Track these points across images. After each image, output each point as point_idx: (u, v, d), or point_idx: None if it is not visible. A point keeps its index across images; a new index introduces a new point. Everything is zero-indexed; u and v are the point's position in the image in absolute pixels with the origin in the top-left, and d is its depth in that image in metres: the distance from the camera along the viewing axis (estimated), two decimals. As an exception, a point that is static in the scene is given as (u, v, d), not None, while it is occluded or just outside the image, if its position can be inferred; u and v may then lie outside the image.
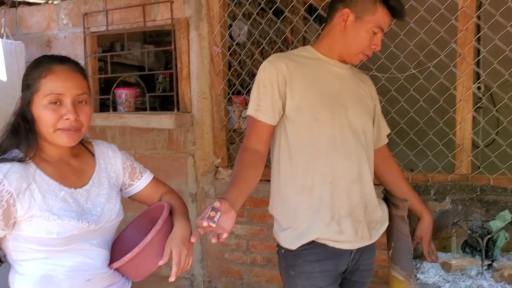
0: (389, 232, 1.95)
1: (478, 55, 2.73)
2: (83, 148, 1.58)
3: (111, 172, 1.59)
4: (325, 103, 1.73)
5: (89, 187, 1.50)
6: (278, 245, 1.81)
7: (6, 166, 1.36)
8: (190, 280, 3.35)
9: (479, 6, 2.67)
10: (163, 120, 3.11)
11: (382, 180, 2.01)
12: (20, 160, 1.39)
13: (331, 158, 1.72)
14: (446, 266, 1.85)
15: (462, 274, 1.80)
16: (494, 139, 2.76)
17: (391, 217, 1.93)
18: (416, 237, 1.95)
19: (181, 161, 3.31)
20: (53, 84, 1.40)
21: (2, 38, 3.48)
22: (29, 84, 1.42)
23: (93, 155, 1.59)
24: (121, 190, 1.65)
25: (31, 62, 1.48)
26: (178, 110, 3.27)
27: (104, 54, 3.78)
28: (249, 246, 3.15)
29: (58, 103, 1.40)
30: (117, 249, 1.57)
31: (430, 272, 1.85)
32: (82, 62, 3.55)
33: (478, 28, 2.90)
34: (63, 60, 1.45)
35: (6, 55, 3.38)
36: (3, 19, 3.57)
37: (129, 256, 1.44)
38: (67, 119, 1.40)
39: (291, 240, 1.74)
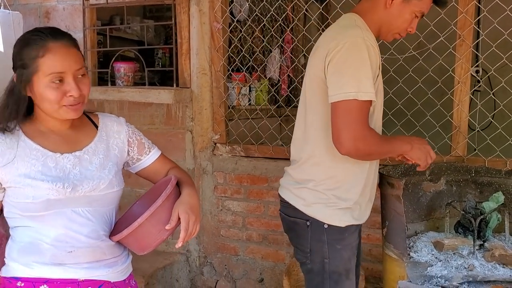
0: (384, 211, 1.98)
1: (478, 38, 2.73)
2: (86, 120, 1.58)
3: (113, 145, 1.59)
4: (382, 85, 1.78)
5: (80, 154, 1.50)
6: (314, 220, 1.76)
7: None
8: (186, 255, 3.39)
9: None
10: (162, 95, 3.10)
11: None
12: (7, 130, 1.43)
13: None
14: (438, 245, 1.88)
15: (454, 253, 1.83)
16: (491, 122, 2.78)
17: (386, 196, 1.96)
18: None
19: (179, 137, 3.32)
20: (53, 63, 1.39)
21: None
22: (25, 63, 1.40)
23: (97, 127, 1.59)
24: (129, 165, 1.66)
25: (19, 39, 1.45)
26: (177, 85, 3.27)
27: (103, 27, 3.74)
28: (245, 223, 3.19)
29: (60, 81, 1.40)
30: (122, 226, 1.54)
31: (422, 251, 1.88)
32: (80, 35, 3.55)
33: (478, 11, 2.89)
34: (56, 36, 1.43)
35: (3, 25, 3.34)
36: (1, -11, 3.53)
37: (131, 227, 1.41)
38: (71, 95, 1.41)
39: (341, 218, 1.76)
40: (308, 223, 1.77)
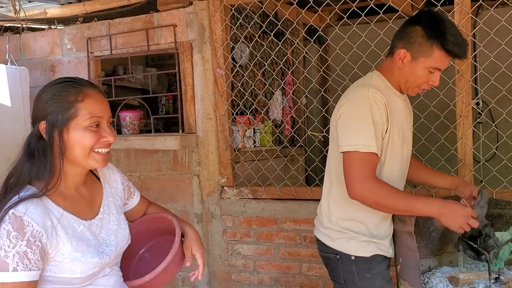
0: (396, 247, 1.97)
1: (475, 72, 2.79)
2: (89, 173, 1.56)
3: (116, 196, 1.60)
4: (400, 140, 1.90)
5: (101, 216, 1.50)
6: (341, 253, 1.91)
7: (28, 206, 1.31)
8: (197, 301, 3.35)
9: (473, 25, 2.74)
10: (168, 142, 3.14)
11: (411, 177, 2.16)
12: (36, 196, 1.34)
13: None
14: (454, 280, 1.87)
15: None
16: (494, 153, 2.81)
17: (398, 233, 1.96)
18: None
19: (186, 182, 3.34)
20: (92, 107, 1.39)
21: (6, 64, 3.53)
22: (60, 108, 1.37)
23: (99, 179, 1.58)
24: None
25: (47, 88, 1.43)
26: (183, 131, 3.31)
27: (107, 78, 3.83)
28: (256, 266, 3.16)
29: (97, 126, 1.40)
30: (129, 268, 1.63)
31: (438, 287, 1.86)
32: (86, 86, 3.63)
33: (474, 46, 2.96)
34: (89, 83, 1.47)
35: (10, 80, 3.42)
36: (7, 45, 3.63)
37: (148, 277, 1.50)
38: (106, 140, 1.42)
39: (365, 249, 1.89)
40: (338, 256, 1.93)
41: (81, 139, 1.38)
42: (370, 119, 1.76)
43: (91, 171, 1.54)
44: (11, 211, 1.29)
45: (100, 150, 1.41)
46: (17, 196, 1.33)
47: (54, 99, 1.38)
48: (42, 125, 1.38)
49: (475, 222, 1.72)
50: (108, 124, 1.44)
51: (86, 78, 3.61)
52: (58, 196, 1.40)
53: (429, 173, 2.23)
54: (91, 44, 3.62)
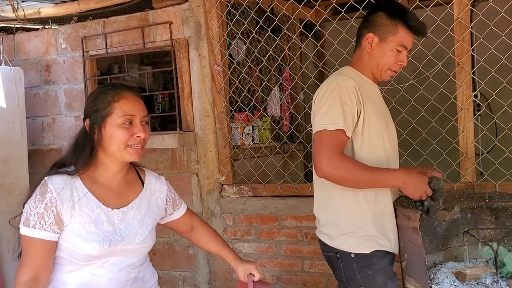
0: (401, 244, 1.94)
1: (473, 63, 2.76)
2: (134, 174, 1.73)
3: (154, 203, 1.74)
4: (381, 123, 1.92)
5: (126, 210, 1.64)
6: (341, 251, 1.90)
7: (56, 177, 1.56)
8: (198, 301, 3.33)
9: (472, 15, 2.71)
10: (166, 140, 3.11)
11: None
12: (70, 173, 1.57)
13: None
14: (460, 276, 1.84)
15: (477, 283, 1.79)
16: (493, 146, 2.80)
17: (402, 229, 1.93)
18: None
19: (185, 180, 3.30)
20: (125, 107, 1.58)
21: (0, 64, 3.49)
22: (100, 107, 1.58)
23: (143, 183, 1.74)
24: (161, 219, 1.82)
25: (93, 92, 1.69)
26: (180, 129, 3.28)
27: (103, 77, 3.79)
28: (258, 264, 3.11)
29: (129, 123, 1.58)
30: None
31: (444, 283, 1.84)
32: (81, 86, 3.59)
33: (472, 38, 2.93)
34: (128, 87, 1.66)
35: (5, 81, 3.38)
36: (1, 46, 3.58)
37: None
38: (138, 136, 1.58)
39: (365, 245, 1.88)
40: (338, 255, 1.92)
41: (115, 134, 1.56)
42: (338, 99, 1.81)
43: (138, 175, 1.74)
44: (45, 178, 1.56)
45: (133, 145, 1.57)
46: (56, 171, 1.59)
47: (96, 100, 1.61)
48: (87, 122, 1.61)
49: (430, 190, 1.79)
50: (143, 122, 1.61)
51: (81, 77, 3.59)
52: (89, 180, 1.60)
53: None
54: (86, 43, 3.58)
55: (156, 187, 1.76)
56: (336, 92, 1.83)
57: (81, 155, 1.58)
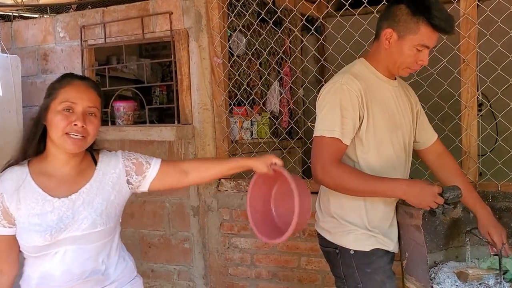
0: (402, 241, 1.90)
1: (477, 62, 2.72)
2: (89, 161, 1.66)
3: (108, 181, 1.64)
4: (387, 126, 1.84)
5: (75, 196, 1.58)
6: (340, 247, 1.86)
7: (4, 173, 1.57)
8: (192, 296, 3.28)
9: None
10: (164, 132, 3.06)
11: (439, 179, 2.08)
12: (20, 166, 1.57)
13: (391, 176, 1.82)
14: (463, 276, 1.80)
15: (479, 284, 1.75)
16: (494, 146, 2.77)
17: (403, 226, 1.89)
18: (483, 235, 1.93)
19: (182, 174, 3.25)
20: (69, 93, 1.55)
21: (-3, 52, 3.43)
22: (50, 93, 1.58)
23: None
24: (138, 188, 1.71)
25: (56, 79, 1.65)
26: (178, 122, 3.22)
27: (101, 67, 3.73)
28: (254, 260, 3.09)
29: (70, 111, 1.54)
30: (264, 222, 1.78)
31: (446, 283, 1.80)
32: (79, 76, 3.53)
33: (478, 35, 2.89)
34: (83, 78, 1.65)
35: (1, 69, 3.32)
36: (-2, 34, 3.52)
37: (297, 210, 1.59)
38: (75, 124, 1.53)
39: (365, 242, 1.83)
40: (337, 250, 1.88)
41: (54, 120, 1.53)
42: (338, 104, 1.74)
43: (93, 157, 1.66)
44: None
45: (72, 134, 1.53)
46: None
47: (48, 87, 1.60)
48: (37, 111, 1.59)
49: (441, 199, 1.68)
50: (88, 113, 1.56)
51: (79, 67, 3.54)
52: (38, 172, 1.58)
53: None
54: (84, 32, 3.52)
55: (110, 165, 1.66)
56: (338, 96, 1.75)
57: (30, 146, 1.58)
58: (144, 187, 1.72)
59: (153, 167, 1.71)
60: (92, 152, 1.68)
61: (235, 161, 1.82)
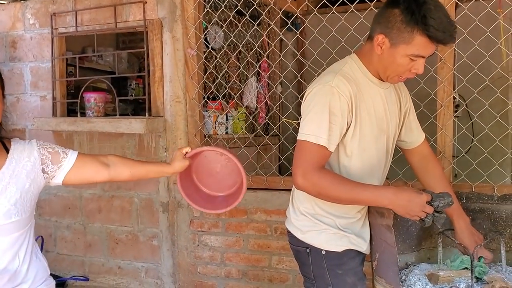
0: (373, 242, 1.84)
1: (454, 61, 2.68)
2: (1, 150, 1.59)
3: (22, 169, 1.57)
4: (373, 133, 1.76)
5: None
6: (311, 247, 1.80)
7: None
8: (161, 294, 3.19)
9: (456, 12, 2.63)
10: (133, 125, 2.95)
11: (421, 181, 2.03)
12: None
13: (369, 182, 1.75)
14: (433, 278, 1.75)
15: (450, 286, 1.70)
16: (470, 147, 2.75)
17: (374, 226, 1.84)
18: (458, 243, 1.87)
19: (153, 169, 3.16)
20: None
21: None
22: None
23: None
24: (53, 178, 1.65)
25: None
26: (150, 114, 3.12)
27: (72, 57, 3.61)
28: (224, 258, 3.01)
29: None
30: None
31: (416, 285, 1.74)
32: (49, 64, 3.41)
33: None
34: None
35: (-33, 56, 3.19)
36: (-36, 18, 3.38)
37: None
38: None
39: (337, 243, 1.78)
40: (308, 250, 1.81)
41: None
42: (327, 109, 1.63)
43: (4, 145, 1.60)
44: None
45: None
46: None
47: None
48: None
49: (430, 208, 1.58)
50: None
51: (49, 55, 3.42)
52: None
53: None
54: (55, 20, 3.40)
55: (24, 153, 1.59)
56: (328, 99, 1.64)
57: None
58: (59, 178, 1.65)
59: (70, 157, 1.67)
60: (3, 141, 1.61)
61: (155, 165, 1.87)
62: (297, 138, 1.68)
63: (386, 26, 1.64)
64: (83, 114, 3.33)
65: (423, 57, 1.64)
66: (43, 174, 1.61)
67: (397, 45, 1.62)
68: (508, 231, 1.98)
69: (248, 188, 2.89)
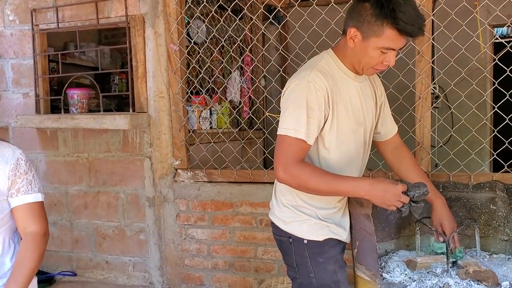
0: (353, 231, 1.90)
1: (433, 54, 2.74)
2: None
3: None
4: (351, 125, 1.81)
5: None
6: (294, 236, 1.86)
7: None
8: (149, 288, 3.23)
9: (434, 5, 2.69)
10: (117, 121, 2.97)
11: (394, 170, 2.09)
12: None
13: (348, 173, 1.81)
14: (411, 264, 1.81)
15: (428, 272, 1.76)
16: (449, 138, 2.81)
17: (355, 216, 1.89)
18: (435, 226, 1.93)
19: (137, 164, 3.18)
20: None
21: None
22: None
23: None
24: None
25: None
26: (133, 110, 3.14)
27: (54, 53, 3.60)
28: (211, 250, 3.05)
29: None
30: None
31: (395, 271, 1.81)
32: (30, 61, 3.40)
33: (433, 27, 2.92)
34: None
35: None
36: None
37: None
38: None
39: (318, 232, 1.83)
40: (290, 239, 1.86)
41: None
42: (305, 103, 1.69)
43: None
44: None
45: None
46: None
47: None
48: None
49: (406, 197, 1.64)
50: None
51: (30, 52, 3.40)
52: None
53: (415, 177, 1.97)
54: (36, 16, 3.38)
55: (3, 159, 1.67)
56: (304, 95, 1.69)
57: None
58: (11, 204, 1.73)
59: (14, 201, 1.72)
60: None
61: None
62: (277, 133, 1.73)
63: (357, 20, 1.69)
64: (66, 111, 3.34)
65: (394, 49, 1.70)
66: (7, 189, 1.70)
67: (368, 38, 1.68)
68: (482, 218, 2.06)
69: (233, 182, 2.97)
